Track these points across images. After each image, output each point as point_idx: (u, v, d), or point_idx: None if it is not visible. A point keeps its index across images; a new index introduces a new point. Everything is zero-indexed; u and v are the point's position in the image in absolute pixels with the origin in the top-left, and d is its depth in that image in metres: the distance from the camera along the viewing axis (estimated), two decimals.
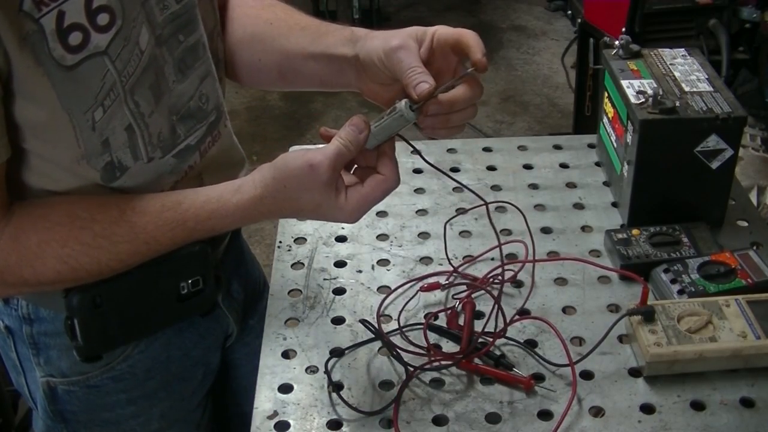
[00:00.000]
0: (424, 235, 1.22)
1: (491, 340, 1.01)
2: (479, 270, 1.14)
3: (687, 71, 1.22)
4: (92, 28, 0.81)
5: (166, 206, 0.90)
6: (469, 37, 0.88)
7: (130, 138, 0.89)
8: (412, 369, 0.98)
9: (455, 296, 1.10)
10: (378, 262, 1.17)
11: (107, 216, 0.88)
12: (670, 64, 1.24)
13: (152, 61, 0.89)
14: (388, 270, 1.16)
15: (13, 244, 0.85)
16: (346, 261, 1.17)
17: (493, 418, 0.94)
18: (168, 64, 0.92)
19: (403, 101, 0.85)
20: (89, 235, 0.87)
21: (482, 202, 1.15)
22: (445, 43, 0.90)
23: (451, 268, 1.14)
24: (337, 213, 0.86)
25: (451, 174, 1.32)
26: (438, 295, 1.11)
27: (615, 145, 1.25)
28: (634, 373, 0.99)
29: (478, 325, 1.04)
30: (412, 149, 0.98)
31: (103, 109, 0.85)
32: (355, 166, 0.90)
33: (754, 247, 1.16)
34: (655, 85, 1.17)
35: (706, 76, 1.21)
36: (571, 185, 1.32)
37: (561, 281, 1.13)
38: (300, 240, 1.22)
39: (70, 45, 0.79)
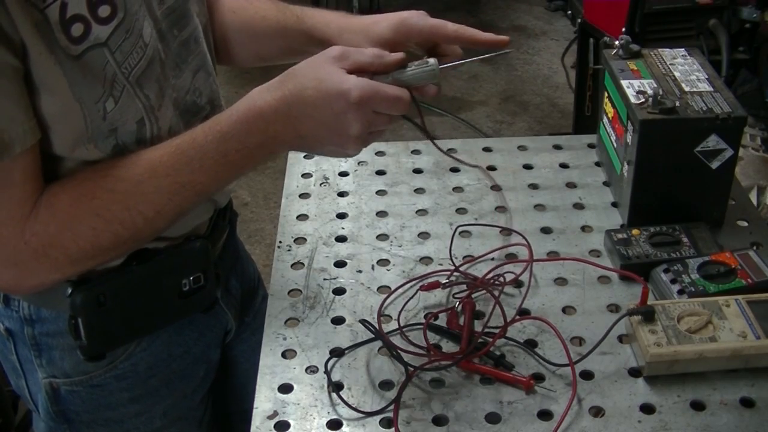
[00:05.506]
0: (424, 235, 1.22)
1: (491, 340, 1.01)
2: (479, 270, 1.14)
3: (687, 71, 1.22)
4: (93, 19, 0.82)
5: (177, 136, 0.91)
6: (473, 31, 0.96)
7: (139, 131, 0.90)
8: (412, 369, 0.98)
9: (455, 296, 1.10)
10: (378, 262, 1.17)
11: (125, 159, 0.89)
12: (670, 64, 1.24)
13: (156, 54, 0.90)
14: (388, 270, 1.16)
15: (49, 211, 0.85)
16: (346, 261, 1.17)
17: (493, 418, 0.94)
18: (168, 59, 0.93)
19: (433, 59, 0.91)
20: (112, 180, 0.88)
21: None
22: (419, 35, 0.97)
23: (452, 268, 1.14)
24: (340, 86, 0.84)
25: (451, 175, 1.33)
26: (438, 295, 1.11)
27: (615, 145, 1.25)
28: (634, 373, 0.99)
29: (478, 325, 1.04)
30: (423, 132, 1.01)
31: (114, 101, 0.86)
32: None
33: (754, 247, 1.16)
34: (655, 85, 1.17)
35: (706, 76, 1.21)
36: (571, 185, 1.32)
37: (561, 281, 1.13)
38: (300, 240, 1.22)
39: (72, 36, 0.81)
